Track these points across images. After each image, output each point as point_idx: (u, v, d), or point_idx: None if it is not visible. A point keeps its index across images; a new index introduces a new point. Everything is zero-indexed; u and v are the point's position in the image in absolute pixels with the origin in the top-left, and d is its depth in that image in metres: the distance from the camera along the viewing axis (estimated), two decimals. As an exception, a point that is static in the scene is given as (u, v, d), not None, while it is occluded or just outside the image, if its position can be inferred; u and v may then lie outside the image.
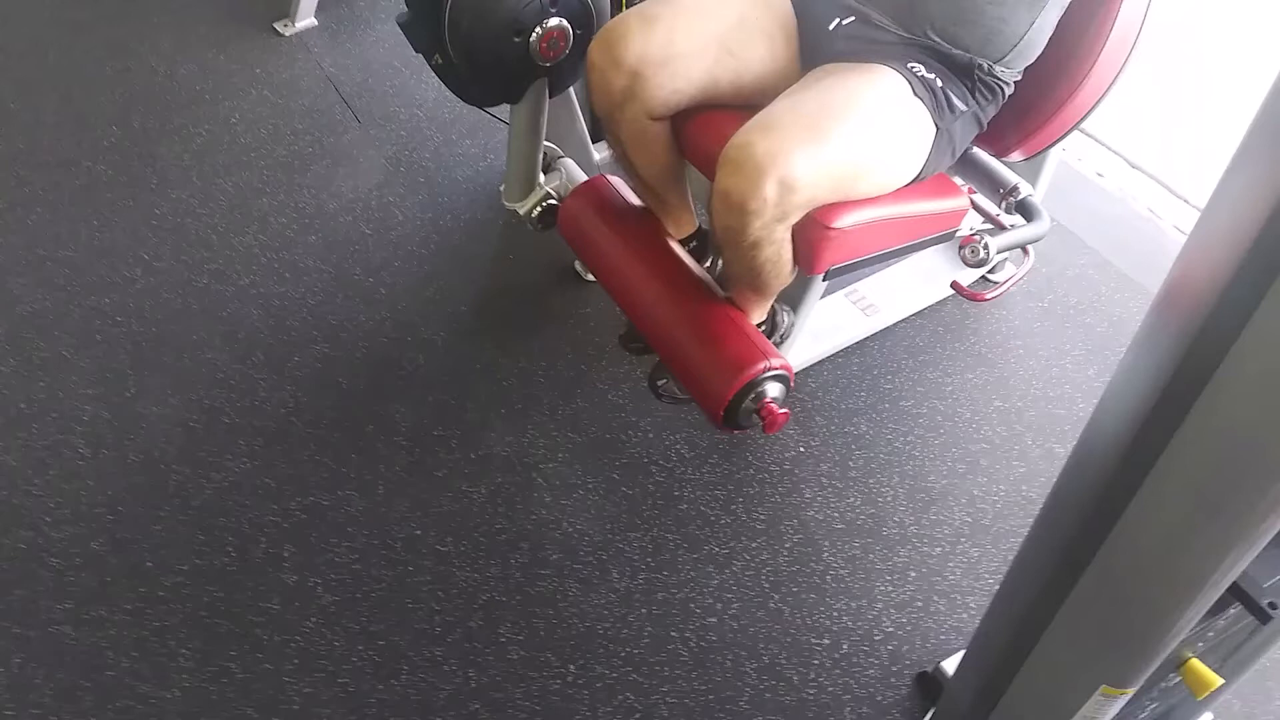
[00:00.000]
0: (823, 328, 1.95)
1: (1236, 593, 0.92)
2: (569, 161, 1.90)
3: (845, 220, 1.44)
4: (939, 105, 1.44)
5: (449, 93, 1.72)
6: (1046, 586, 0.95)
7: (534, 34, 1.58)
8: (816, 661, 1.56)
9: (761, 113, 1.37)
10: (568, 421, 1.87)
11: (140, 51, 2.64)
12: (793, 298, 1.67)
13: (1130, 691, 0.97)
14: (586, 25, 1.64)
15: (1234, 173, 0.71)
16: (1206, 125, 2.55)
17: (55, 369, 1.90)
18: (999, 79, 1.49)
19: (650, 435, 1.85)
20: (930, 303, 2.06)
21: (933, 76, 1.43)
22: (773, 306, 1.65)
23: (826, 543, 1.70)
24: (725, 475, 1.80)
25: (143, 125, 2.43)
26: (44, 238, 2.15)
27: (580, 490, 1.77)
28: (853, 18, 1.50)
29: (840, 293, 2.01)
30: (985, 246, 1.49)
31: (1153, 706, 1.17)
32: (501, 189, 1.93)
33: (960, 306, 2.07)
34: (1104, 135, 2.56)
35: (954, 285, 1.71)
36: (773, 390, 1.49)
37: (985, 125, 1.55)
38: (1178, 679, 1.06)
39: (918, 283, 2.05)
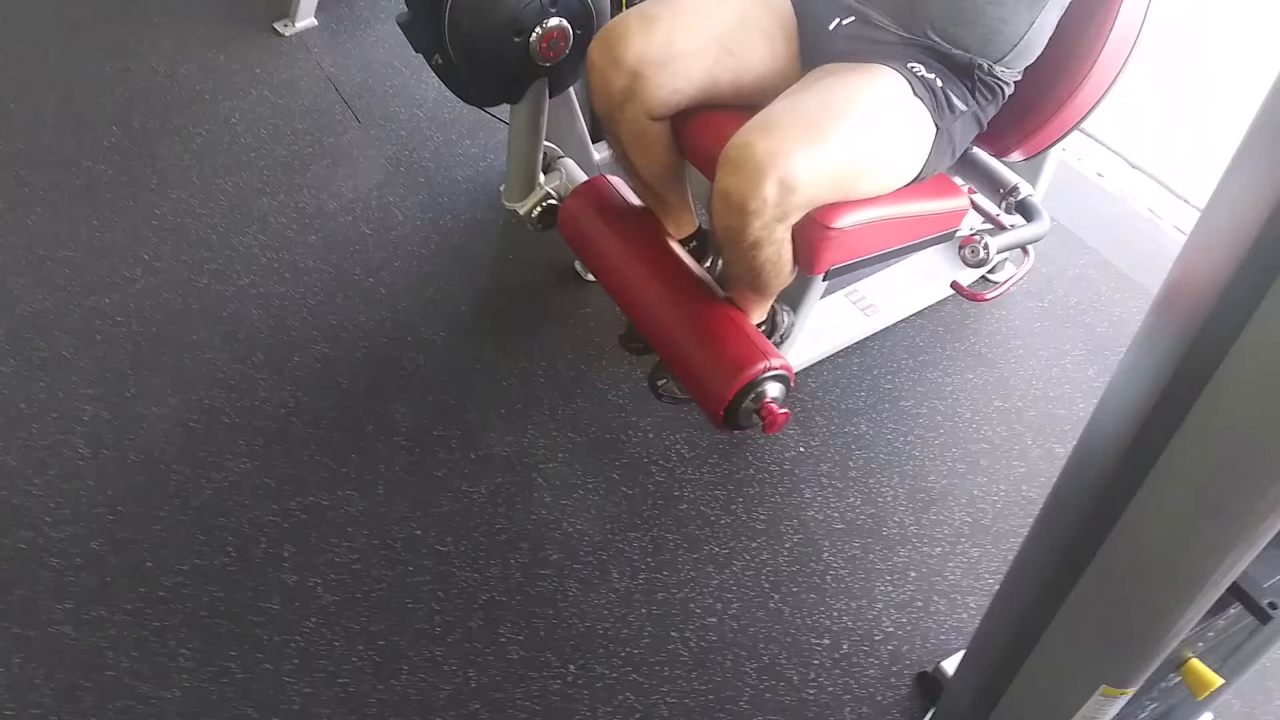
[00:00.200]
0: (823, 328, 1.95)
1: (1236, 593, 0.92)
2: (569, 161, 1.90)
3: (845, 220, 1.44)
4: (939, 105, 1.44)
5: (449, 93, 1.72)
6: (1046, 586, 0.95)
7: (534, 34, 1.58)
8: (816, 661, 1.56)
9: (761, 113, 1.37)
10: (568, 421, 1.87)
11: (140, 51, 2.64)
12: (793, 298, 1.67)
13: (1130, 691, 0.97)
14: (586, 25, 1.64)
15: (1234, 173, 0.71)
16: (1206, 125, 2.55)
17: (55, 369, 1.90)
18: (999, 79, 1.49)
19: (650, 435, 1.85)
20: (930, 303, 2.06)
21: (933, 76, 1.43)
22: (773, 306, 1.65)
23: (826, 543, 1.70)
24: (725, 475, 1.80)
25: (143, 125, 2.43)
26: (44, 238, 2.15)
27: (580, 490, 1.77)
28: (853, 18, 1.50)
29: (840, 293, 2.01)
30: (985, 246, 1.49)
31: (1153, 706, 1.17)
32: (501, 189, 1.93)
33: (960, 306, 2.07)
34: (1104, 135, 2.56)
35: (954, 285, 1.71)
36: (773, 390, 1.49)
37: (985, 125, 1.55)
38: (1178, 679, 1.06)
39: (918, 283, 2.05)
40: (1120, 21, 1.51)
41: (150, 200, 2.25)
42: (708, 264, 1.74)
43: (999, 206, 1.68)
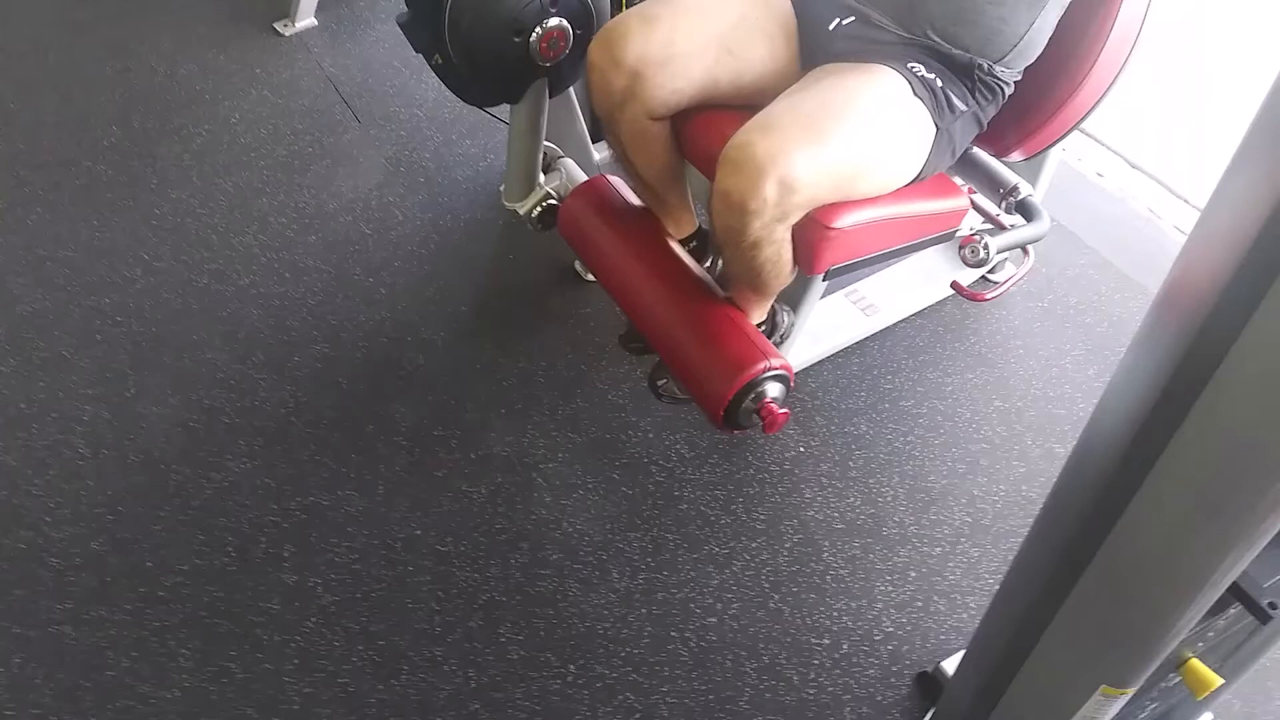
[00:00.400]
0: (823, 328, 1.95)
1: (1236, 593, 0.92)
2: (569, 161, 1.90)
3: (845, 220, 1.44)
4: (939, 105, 1.44)
5: (449, 93, 1.72)
6: (1046, 586, 0.95)
7: (534, 34, 1.58)
8: (816, 661, 1.56)
9: (761, 113, 1.37)
10: (568, 421, 1.87)
11: (140, 51, 2.64)
12: (793, 298, 1.67)
13: (1130, 691, 0.97)
14: (586, 25, 1.64)
15: (1234, 173, 0.71)
16: (1206, 125, 2.55)
17: (55, 369, 1.90)
18: (999, 79, 1.49)
19: (650, 435, 1.85)
20: (930, 303, 2.06)
21: (933, 76, 1.43)
22: (773, 306, 1.65)
23: (826, 543, 1.70)
24: (725, 475, 1.80)
25: (143, 125, 2.43)
26: (44, 238, 2.15)
27: (580, 490, 1.77)
28: (853, 18, 1.50)
29: (840, 293, 2.01)
30: (985, 246, 1.49)
31: (1153, 706, 1.17)
32: (501, 189, 1.93)
33: (960, 306, 2.07)
34: (1104, 135, 2.56)
35: (954, 285, 1.71)
36: (773, 390, 1.49)
37: (985, 125, 1.55)
38: (1178, 679, 1.06)
39: (918, 283, 2.05)
40: (1120, 21, 1.51)
41: (150, 200, 2.25)
42: (708, 264, 1.74)
43: (999, 206, 1.68)
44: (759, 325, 1.63)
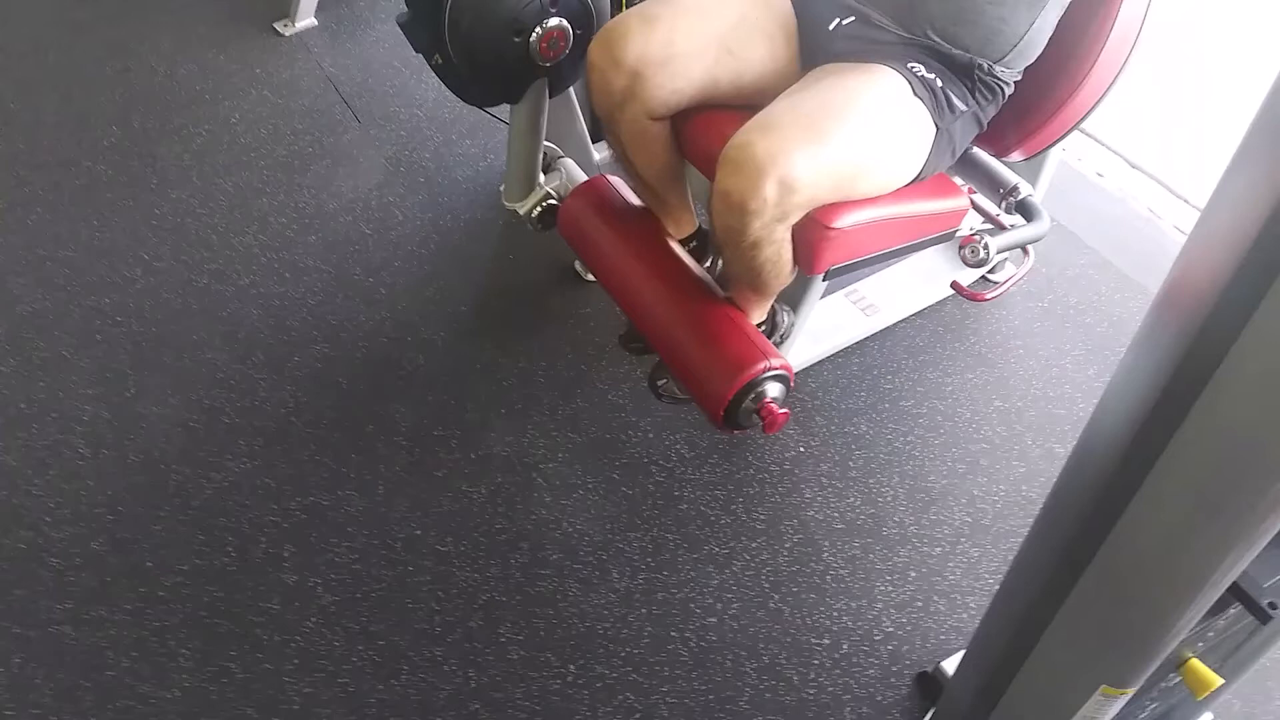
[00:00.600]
0: (823, 328, 1.95)
1: (1236, 593, 0.92)
2: (569, 161, 1.90)
3: (845, 220, 1.44)
4: (939, 105, 1.44)
5: (449, 93, 1.72)
6: (1046, 586, 0.95)
7: (534, 34, 1.58)
8: (816, 661, 1.56)
9: (761, 113, 1.37)
10: (568, 421, 1.87)
11: (140, 51, 2.64)
12: (793, 298, 1.67)
13: (1130, 691, 0.97)
14: (586, 25, 1.64)
15: (1234, 173, 0.71)
16: (1206, 125, 2.55)
17: (55, 369, 1.90)
18: (999, 79, 1.49)
19: (650, 435, 1.85)
20: (930, 303, 2.06)
21: (933, 76, 1.43)
22: (773, 306, 1.65)
23: (826, 543, 1.70)
24: (725, 475, 1.80)
25: (143, 125, 2.43)
26: (44, 238, 2.15)
27: (580, 490, 1.77)
28: (853, 18, 1.50)
29: (840, 293, 2.01)
30: (985, 246, 1.49)
31: (1153, 706, 1.17)
32: (501, 189, 1.93)
33: (960, 306, 2.07)
34: (1104, 135, 2.56)
35: (954, 285, 1.71)
36: (773, 390, 1.49)
37: (985, 125, 1.55)
38: (1178, 679, 1.06)
39: (918, 283, 2.05)
40: (1120, 21, 1.51)
41: (150, 200, 2.25)
42: (708, 264, 1.74)
43: (999, 206, 1.68)
44: (759, 325, 1.63)
